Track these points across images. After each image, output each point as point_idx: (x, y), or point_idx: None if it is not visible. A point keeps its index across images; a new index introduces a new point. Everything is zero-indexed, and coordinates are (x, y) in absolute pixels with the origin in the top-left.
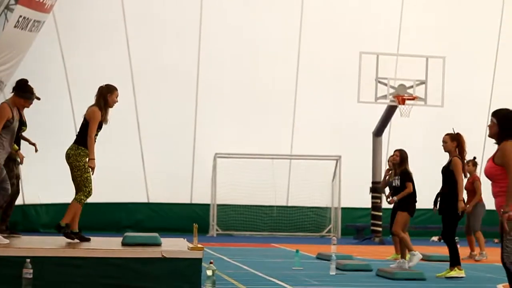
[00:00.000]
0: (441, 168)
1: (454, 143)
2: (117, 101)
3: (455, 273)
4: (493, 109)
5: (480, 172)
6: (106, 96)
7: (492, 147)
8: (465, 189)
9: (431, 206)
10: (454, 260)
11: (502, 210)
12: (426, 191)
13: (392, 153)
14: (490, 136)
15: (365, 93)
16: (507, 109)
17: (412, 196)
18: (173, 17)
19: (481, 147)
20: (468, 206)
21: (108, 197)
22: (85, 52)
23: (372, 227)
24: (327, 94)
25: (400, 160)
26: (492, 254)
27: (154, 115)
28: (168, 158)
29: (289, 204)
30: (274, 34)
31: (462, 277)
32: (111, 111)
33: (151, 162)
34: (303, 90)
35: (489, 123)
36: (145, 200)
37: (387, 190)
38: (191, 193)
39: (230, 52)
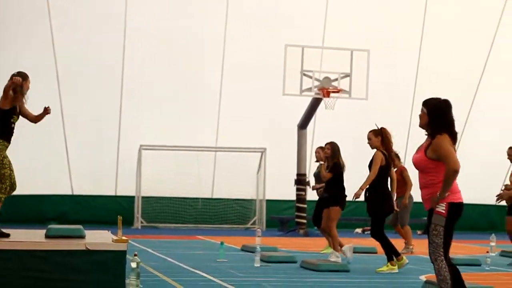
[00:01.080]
0: (367, 160)
1: (379, 138)
2: (29, 88)
3: (387, 268)
4: (417, 101)
5: (405, 162)
6: (19, 83)
7: (416, 138)
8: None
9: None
10: (394, 253)
11: (437, 197)
12: (351, 184)
13: (317, 146)
14: (420, 126)
15: (290, 86)
16: (437, 99)
17: (342, 189)
18: (98, 9)
19: (405, 139)
20: (403, 199)
21: (32, 189)
22: (9, 42)
23: (296, 219)
24: (252, 87)
25: (331, 152)
26: (418, 246)
27: (78, 107)
28: (93, 150)
29: (214, 196)
30: (199, 26)
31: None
32: (35, 102)
33: (75, 154)
34: (228, 82)
35: (419, 112)
36: (69, 192)
37: (312, 181)
38: (116, 185)
39: (155, 43)
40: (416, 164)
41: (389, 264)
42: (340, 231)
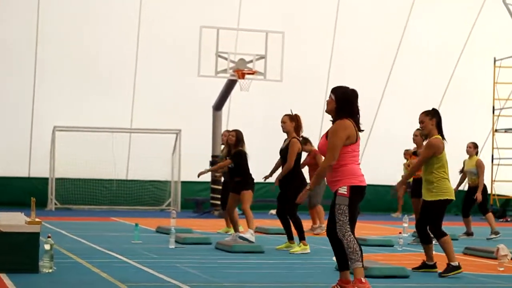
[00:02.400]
0: (278, 141)
1: (293, 123)
2: None
3: (300, 249)
4: (331, 83)
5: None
6: None
7: (329, 121)
8: (307, 164)
9: (270, 181)
10: (300, 234)
11: (308, 187)
12: (266, 165)
13: (232, 128)
14: (327, 111)
15: (205, 67)
16: (346, 87)
17: (249, 173)
18: None
19: (319, 122)
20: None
21: None
22: None
23: (211, 201)
24: (167, 68)
25: (235, 140)
26: None
27: None
28: (6, 131)
29: (129, 178)
30: (114, 6)
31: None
32: None
33: None
34: (143, 63)
35: (327, 98)
36: None
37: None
38: (29, 167)
39: (69, 24)
40: (320, 149)
41: (301, 244)
42: (255, 213)
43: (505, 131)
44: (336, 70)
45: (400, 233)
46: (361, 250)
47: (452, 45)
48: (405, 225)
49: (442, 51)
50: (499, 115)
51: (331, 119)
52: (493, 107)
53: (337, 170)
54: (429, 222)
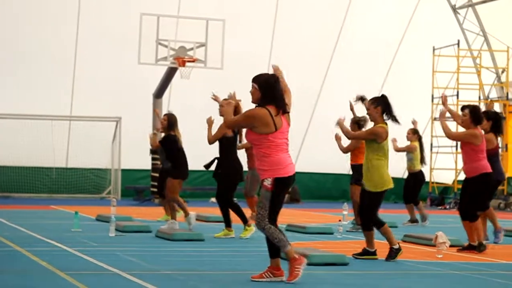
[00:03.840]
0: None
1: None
2: None
3: (247, 232)
4: (270, 71)
5: None
6: None
7: None
8: (245, 147)
9: (210, 169)
10: (227, 222)
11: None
12: (206, 153)
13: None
14: (254, 102)
15: (145, 55)
16: (266, 74)
17: (180, 159)
18: None
19: None
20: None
21: None
22: None
23: (152, 189)
24: (108, 55)
25: (167, 124)
26: None
27: None
28: None
29: (69, 166)
30: None
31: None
32: None
33: None
34: (83, 51)
35: (251, 89)
36: None
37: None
38: None
39: (7, 11)
40: (246, 138)
41: (226, 229)
42: (195, 201)
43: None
44: (277, 57)
45: (339, 220)
46: (284, 235)
47: (392, 34)
48: (345, 212)
49: (382, 40)
50: (438, 104)
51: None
52: (432, 96)
53: (265, 160)
54: (366, 211)
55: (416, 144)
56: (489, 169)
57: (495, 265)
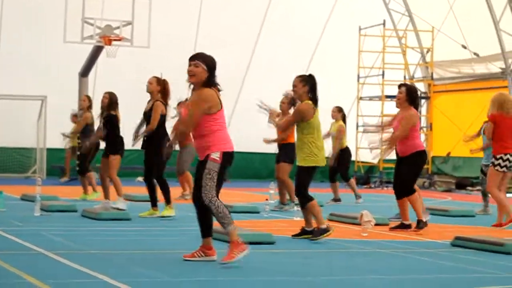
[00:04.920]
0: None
1: (159, 87)
2: None
3: (166, 212)
4: (198, 48)
5: None
6: None
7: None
8: (175, 129)
9: (138, 147)
10: (153, 202)
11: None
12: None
13: (98, 94)
14: (195, 80)
15: (71, 33)
16: (209, 55)
17: (119, 138)
18: None
19: (186, 87)
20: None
21: None
22: None
23: (77, 168)
24: (33, 34)
25: (108, 102)
26: None
27: None
28: None
29: None
30: None
31: (171, 216)
32: None
33: None
34: (7, 29)
35: (192, 67)
36: None
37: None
38: None
39: None
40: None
41: (152, 209)
42: (123, 180)
43: (370, 99)
44: (204, 36)
45: (266, 199)
46: (229, 212)
47: (318, 14)
48: (272, 191)
49: (308, 20)
50: (363, 83)
51: (194, 87)
52: (358, 75)
53: (207, 136)
54: (298, 186)
55: (342, 122)
56: (423, 147)
57: (420, 243)
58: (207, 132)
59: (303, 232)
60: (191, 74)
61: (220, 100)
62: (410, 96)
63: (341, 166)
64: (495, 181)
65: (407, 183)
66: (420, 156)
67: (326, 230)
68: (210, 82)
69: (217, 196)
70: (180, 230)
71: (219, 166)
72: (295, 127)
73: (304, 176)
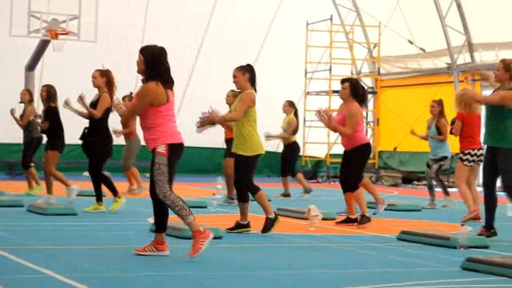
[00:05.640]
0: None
1: (104, 79)
2: None
3: (93, 208)
4: (146, 42)
5: None
6: None
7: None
8: (122, 122)
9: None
10: (113, 192)
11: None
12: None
13: None
14: (139, 72)
15: (17, 27)
16: (154, 46)
17: (60, 133)
18: None
19: (133, 82)
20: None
21: None
22: None
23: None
24: None
25: (47, 95)
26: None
27: None
28: None
29: None
30: None
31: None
32: None
33: None
34: None
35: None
36: None
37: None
38: None
39: None
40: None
41: (96, 204)
42: (68, 175)
43: (317, 94)
44: (151, 30)
45: (213, 194)
46: (186, 203)
47: (265, 9)
48: (219, 186)
49: (256, 14)
50: (311, 78)
51: (142, 79)
52: (305, 70)
53: (154, 129)
54: (241, 177)
55: (293, 116)
56: (367, 140)
57: (367, 238)
58: (152, 125)
59: (237, 226)
60: (137, 66)
61: (166, 93)
62: (353, 91)
63: (289, 160)
64: (463, 176)
65: (354, 177)
66: (364, 149)
67: (275, 219)
68: (149, 73)
69: (171, 188)
70: (127, 225)
71: (166, 159)
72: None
73: (249, 165)
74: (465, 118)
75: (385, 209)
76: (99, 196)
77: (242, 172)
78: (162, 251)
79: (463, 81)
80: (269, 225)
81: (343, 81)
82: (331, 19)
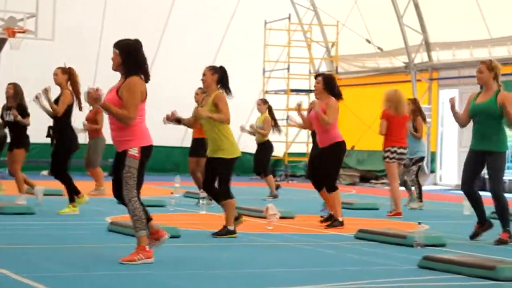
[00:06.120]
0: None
1: (66, 76)
2: None
3: (69, 210)
4: (104, 41)
5: None
6: None
7: (104, 77)
8: (88, 119)
9: (42, 141)
10: (74, 191)
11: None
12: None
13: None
14: (114, 69)
15: None
16: (128, 39)
17: (26, 132)
18: None
19: (92, 76)
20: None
21: None
22: None
23: None
24: None
25: (14, 93)
26: (108, 188)
27: None
28: None
29: None
30: None
31: (75, 214)
32: None
33: None
34: None
35: (112, 55)
36: None
37: None
38: None
39: None
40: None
41: (70, 205)
42: (27, 174)
43: (275, 93)
44: (110, 27)
45: (172, 193)
46: (147, 216)
47: (224, 7)
48: (177, 185)
49: (214, 13)
50: (269, 77)
51: (122, 73)
52: (264, 69)
53: (128, 130)
54: (219, 180)
55: (267, 115)
56: (342, 138)
57: (324, 236)
58: (126, 125)
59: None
60: (112, 62)
61: (145, 90)
62: (327, 85)
63: (262, 159)
64: (395, 174)
65: (331, 176)
66: (340, 146)
67: (232, 232)
68: (128, 67)
69: (138, 195)
70: (84, 224)
71: (138, 163)
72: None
73: (228, 169)
74: (391, 118)
75: (343, 208)
76: (72, 197)
77: (224, 175)
78: (162, 237)
79: (420, 80)
80: (223, 233)
81: (317, 76)
82: (289, 18)
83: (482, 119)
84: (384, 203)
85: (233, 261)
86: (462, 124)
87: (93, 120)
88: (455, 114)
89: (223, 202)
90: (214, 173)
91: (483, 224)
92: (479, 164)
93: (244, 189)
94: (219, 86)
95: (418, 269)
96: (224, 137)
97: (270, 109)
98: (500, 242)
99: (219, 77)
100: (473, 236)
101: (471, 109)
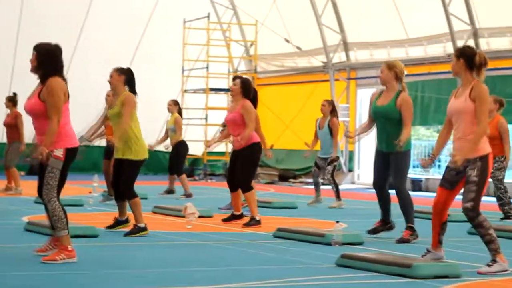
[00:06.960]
0: None
1: None
2: None
3: None
4: (20, 47)
5: None
6: None
7: (19, 84)
8: (6, 124)
9: None
10: None
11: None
12: None
13: None
14: (32, 70)
15: None
16: (49, 43)
17: None
18: None
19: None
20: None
21: None
22: None
23: None
24: None
25: None
26: (25, 187)
27: None
28: None
29: None
30: None
31: None
32: None
33: None
34: None
35: (31, 57)
36: None
37: None
38: None
39: None
40: (31, 111)
41: None
42: None
43: (194, 92)
44: (26, 30)
45: (90, 192)
46: (66, 216)
47: (143, 5)
48: (95, 184)
49: (133, 11)
50: (188, 76)
51: (38, 77)
52: (183, 68)
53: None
54: (125, 180)
55: (178, 115)
56: (257, 139)
57: (243, 235)
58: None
59: (117, 223)
60: (31, 63)
61: (67, 91)
62: (244, 89)
63: (177, 160)
64: None
65: (246, 177)
66: (256, 148)
67: (143, 229)
68: (47, 70)
69: (58, 195)
70: (3, 223)
71: (62, 164)
72: (115, 119)
73: (134, 170)
74: None
75: (262, 207)
76: None
77: (128, 176)
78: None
79: (338, 79)
80: (135, 232)
81: (234, 78)
82: (208, 17)
83: (383, 122)
84: (303, 202)
85: (149, 260)
86: (371, 128)
87: (12, 125)
88: (359, 134)
89: (130, 202)
90: (123, 174)
91: (386, 223)
92: (387, 163)
93: (162, 188)
94: (127, 88)
95: (336, 267)
96: (136, 137)
97: (179, 110)
98: (401, 240)
99: (126, 78)
100: (372, 232)
101: (372, 110)
